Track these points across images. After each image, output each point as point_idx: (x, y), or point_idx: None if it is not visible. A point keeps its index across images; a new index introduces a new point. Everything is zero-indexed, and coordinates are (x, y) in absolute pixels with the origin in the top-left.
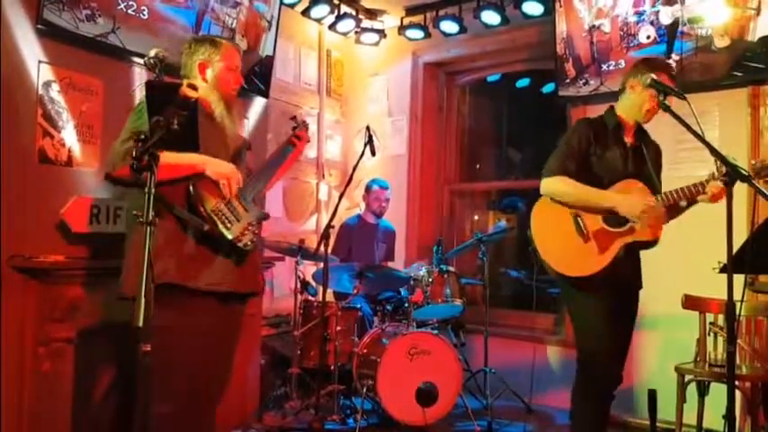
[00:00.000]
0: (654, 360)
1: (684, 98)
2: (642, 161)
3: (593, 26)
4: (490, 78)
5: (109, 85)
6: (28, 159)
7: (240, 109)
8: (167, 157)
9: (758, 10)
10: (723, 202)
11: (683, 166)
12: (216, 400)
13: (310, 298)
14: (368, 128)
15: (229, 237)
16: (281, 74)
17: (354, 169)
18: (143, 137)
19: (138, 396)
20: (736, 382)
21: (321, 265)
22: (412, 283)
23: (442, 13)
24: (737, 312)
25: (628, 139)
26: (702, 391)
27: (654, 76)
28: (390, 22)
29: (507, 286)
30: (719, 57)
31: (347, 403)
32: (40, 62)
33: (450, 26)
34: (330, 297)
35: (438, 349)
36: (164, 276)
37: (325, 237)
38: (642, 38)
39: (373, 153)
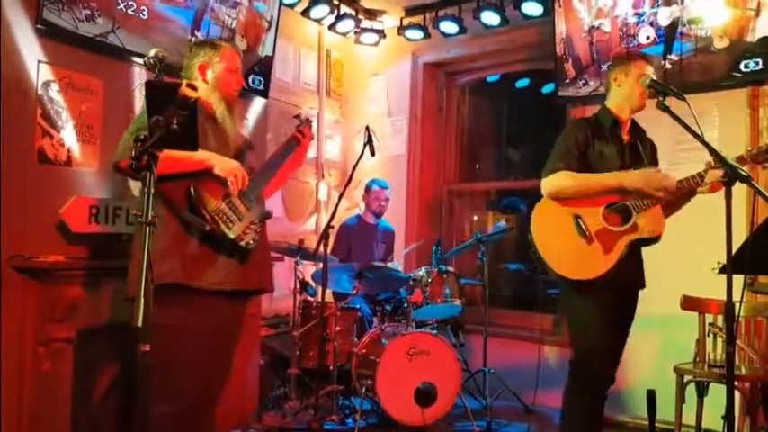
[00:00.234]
0: (653, 360)
1: (684, 99)
2: (638, 157)
3: (593, 27)
4: (490, 79)
5: (108, 85)
6: (27, 159)
7: (241, 109)
8: (177, 151)
9: (757, 11)
10: (721, 193)
11: (683, 166)
12: (215, 399)
13: (309, 298)
14: (367, 128)
15: (231, 236)
16: (280, 74)
17: (354, 169)
18: (142, 137)
19: (139, 396)
20: (736, 383)
21: (320, 265)
22: (411, 283)
23: (441, 13)
24: (737, 313)
25: (624, 136)
26: (701, 391)
27: (646, 71)
28: (390, 22)
29: (507, 286)
30: (719, 57)
31: (346, 403)
32: (39, 62)
33: (449, 26)
34: (329, 297)
35: (437, 349)
36: (169, 276)
37: (324, 237)
38: (642, 38)
39: (373, 153)
